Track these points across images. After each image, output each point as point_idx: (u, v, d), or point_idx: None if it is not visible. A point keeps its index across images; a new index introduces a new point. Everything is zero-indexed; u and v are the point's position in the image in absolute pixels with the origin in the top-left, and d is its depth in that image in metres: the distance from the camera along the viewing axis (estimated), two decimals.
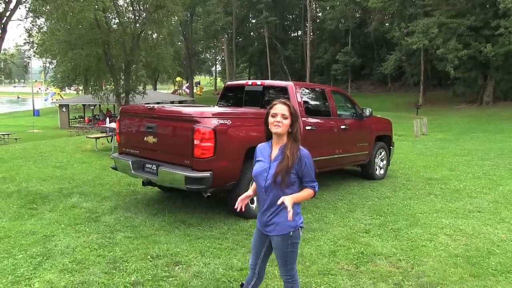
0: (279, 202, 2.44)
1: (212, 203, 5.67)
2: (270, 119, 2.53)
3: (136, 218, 5.02)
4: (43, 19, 18.84)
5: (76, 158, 9.20)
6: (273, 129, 2.52)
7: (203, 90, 62.73)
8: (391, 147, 8.38)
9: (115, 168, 5.69)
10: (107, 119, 10.82)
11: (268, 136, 2.65)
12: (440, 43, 25.37)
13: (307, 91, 6.25)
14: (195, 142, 4.53)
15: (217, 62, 68.33)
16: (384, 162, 8.08)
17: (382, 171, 7.98)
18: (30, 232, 4.43)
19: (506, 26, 23.11)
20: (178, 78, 50.73)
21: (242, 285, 2.86)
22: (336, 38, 45.51)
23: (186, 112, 4.83)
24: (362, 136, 7.32)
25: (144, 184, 5.08)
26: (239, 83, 6.83)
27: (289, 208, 2.38)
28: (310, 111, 6.14)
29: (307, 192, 2.58)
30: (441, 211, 5.80)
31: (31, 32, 17.96)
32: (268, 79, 46.24)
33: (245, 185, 5.02)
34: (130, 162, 5.23)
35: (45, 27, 19.81)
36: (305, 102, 6.06)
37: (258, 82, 6.36)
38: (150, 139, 5.04)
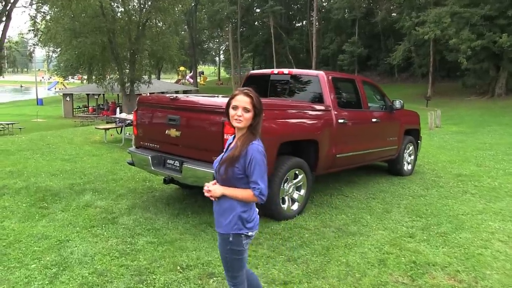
0: (205, 187, 2.32)
1: None
2: (231, 111, 2.31)
3: (157, 219, 4.57)
4: (47, 7, 18.27)
5: (85, 150, 8.74)
6: (234, 124, 2.31)
7: (207, 80, 62.04)
8: (418, 142, 7.92)
9: (132, 164, 5.23)
10: (118, 109, 10.29)
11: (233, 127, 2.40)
12: (452, 33, 24.63)
13: (338, 81, 5.75)
14: (225, 136, 4.05)
15: (221, 52, 67.51)
16: (412, 157, 7.63)
17: (409, 167, 7.53)
18: (43, 236, 4.00)
19: None
20: (181, 68, 50.10)
21: None
22: (342, 28, 44.72)
23: (215, 103, 4.34)
24: (392, 130, 6.85)
25: (165, 182, 4.62)
26: (264, 72, 6.34)
27: (211, 191, 2.29)
28: (342, 103, 5.65)
29: (246, 192, 2.29)
30: (485, 212, 5.34)
31: (35, 19, 17.37)
32: (273, 68, 45.69)
33: (278, 184, 4.58)
34: (149, 157, 4.76)
35: (50, 15, 19.26)
36: (337, 93, 5.57)
37: (285, 71, 5.86)
38: (173, 132, 4.57)
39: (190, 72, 53.84)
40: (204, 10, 48.41)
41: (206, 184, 2.34)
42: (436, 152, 10.22)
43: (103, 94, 31.61)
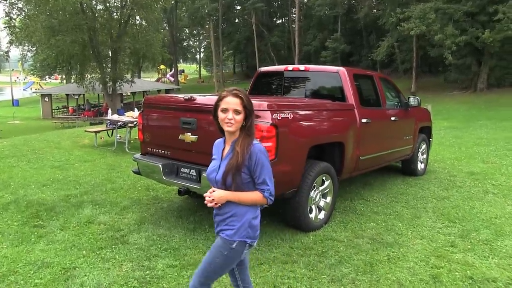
0: (207, 198, 2.15)
1: None
2: (220, 115, 2.16)
3: (172, 236, 4.05)
4: (22, 3, 17.26)
5: (76, 155, 8.07)
6: (225, 128, 2.16)
7: (188, 78, 61.04)
8: (430, 139, 7.62)
9: (137, 172, 4.67)
10: (109, 111, 9.63)
11: (222, 130, 2.24)
12: (437, 28, 24.73)
13: (359, 78, 5.33)
14: None
15: (201, 50, 66.51)
16: (425, 156, 7.32)
17: (422, 166, 7.22)
18: (43, 263, 3.41)
19: (505, 12, 22.61)
20: (162, 66, 49.04)
21: None
22: (325, 24, 44.63)
23: None
24: (408, 128, 6.51)
25: (180, 193, 4.09)
26: (276, 68, 5.86)
27: (214, 199, 2.14)
28: (364, 101, 5.23)
29: (254, 194, 2.16)
30: None
31: (10, 15, 16.33)
32: (256, 66, 45.28)
33: (306, 192, 4.13)
34: (160, 165, 4.23)
35: (25, 12, 18.24)
36: (358, 90, 5.15)
37: (301, 67, 5.40)
38: (187, 137, 4.05)
39: (171, 71, 52.80)
40: (184, 8, 47.44)
41: (206, 194, 2.18)
42: (438, 149, 10.02)
43: (83, 94, 30.48)
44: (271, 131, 3.59)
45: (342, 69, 5.10)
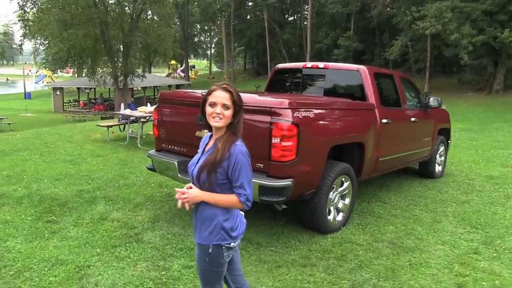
0: (182, 190, 2.01)
1: (271, 211, 4.63)
2: (208, 109, 2.06)
3: (187, 235, 3.95)
4: None
5: (88, 150, 8.02)
6: (212, 123, 2.06)
7: (198, 73, 61.01)
8: (449, 142, 7.44)
9: (152, 169, 4.59)
10: (122, 105, 9.57)
11: (209, 126, 2.15)
12: (453, 28, 24.27)
13: (379, 77, 5.18)
14: (274, 140, 3.46)
15: (212, 46, 66.42)
16: (442, 158, 7.14)
17: (440, 168, 7.03)
18: (57, 260, 3.33)
19: None
20: (172, 62, 49.05)
21: None
22: (337, 22, 44.22)
23: (261, 101, 3.73)
24: (428, 130, 6.34)
25: None
26: (294, 65, 5.72)
27: (189, 197, 1.98)
28: (384, 101, 5.08)
29: (230, 198, 2.04)
30: None
31: (24, 8, 16.38)
32: (267, 63, 45.10)
33: (325, 193, 4.01)
34: (176, 162, 4.14)
35: (38, 5, 18.29)
36: (379, 90, 5.00)
37: (320, 64, 5.26)
38: (205, 134, 3.94)
39: (181, 66, 52.80)
40: (195, 3, 47.35)
41: (179, 189, 2.03)
42: (454, 151, 9.78)
43: (94, 88, 30.59)
44: (292, 130, 3.47)
45: (363, 67, 4.95)
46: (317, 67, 5.28)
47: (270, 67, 45.68)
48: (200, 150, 2.22)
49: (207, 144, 2.19)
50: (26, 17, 18.31)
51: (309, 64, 5.35)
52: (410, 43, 33.09)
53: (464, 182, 6.72)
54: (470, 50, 24.24)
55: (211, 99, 2.04)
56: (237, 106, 2.05)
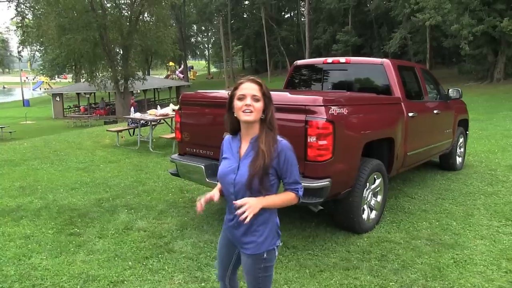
0: (239, 206, 1.82)
1: (301, 211, 4.49)
2: (237, 103, 1.90)
3: (218, 242, 3.80)
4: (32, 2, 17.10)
5: (100, 156, 7.87)
6: (243, 117, 1.89)
7: (197, 74, 60.82)
8: (467, 132, 7.31)
9: (176, 174, 4.44)
10: (132, 109, 9.40)
11: (234, 129, 2.01)
12: (453, 18, 24.18)
13: (403, 69, 5.04)
14: (309, 139, 3.32)
15: (210, 46, 66.19)
16: (462, 149, 7.02)
17: (460, 160, 6.91)
18: (88, 277, 3.16)
19: None
20: (171, 63, 48.84)
21: None
22: (334, 17, 44.06)
23: (293, 99, 3.59)
24: (449, 122, 6.21)
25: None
26: (314, 61, 5.58)
27: (249, 215, 1.80)
28: (409, 94, 4.94)
29: (286, 196, 1.95)
30: None
31: (23, 14, 16.19)
32: (266, 61, 44.91)
33: (360, 191, 3.88)
34: (203, 166, 3.99)
35: (35, 11, 18.09)
36: (404, 83, 4.86)
37: (342, 59, 5.12)
38: None
39: (180, 67, 52.60)
40: (192, 4, 47.14)
41: (239, 202, 1.85)
42: (468, 142, 9.67)
43: (94, 93, 30.38)
44: (327, 128, 3.33)
45: (386, 61, 4.81)
46: (339, 62, 5.14)
47: (269, 64, 45.54)
48: (229, 155, 2.01)
49: (240, 146, 1.99)
50: (24, 24, 18.09)
51: (330, 59, 5.20)
52: (409, 35, 32.98)
53: (486, 173, 6.59)
54: (471, 40, 24.15)
55: (239, 92, 1.90)
56: (267, 98, 1.92)
